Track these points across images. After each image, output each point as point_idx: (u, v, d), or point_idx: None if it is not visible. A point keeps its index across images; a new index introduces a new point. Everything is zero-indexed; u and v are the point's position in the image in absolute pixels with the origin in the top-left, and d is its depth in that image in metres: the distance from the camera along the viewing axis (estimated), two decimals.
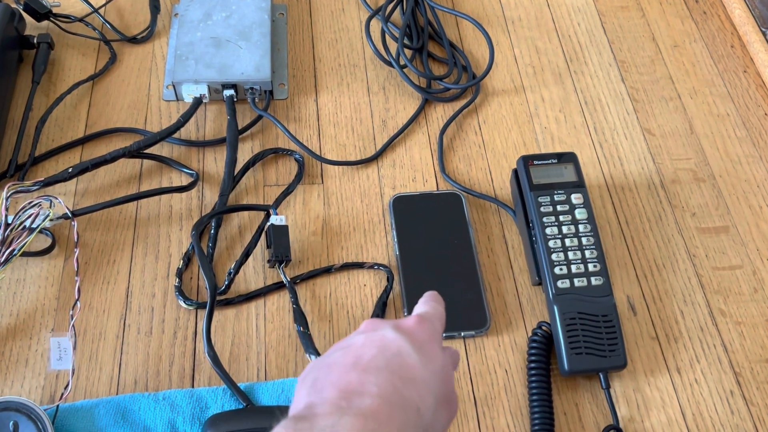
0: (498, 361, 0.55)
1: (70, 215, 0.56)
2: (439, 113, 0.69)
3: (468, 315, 0.56)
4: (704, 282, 0.60)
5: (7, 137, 0.64)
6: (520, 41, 0.75)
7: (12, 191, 0.56)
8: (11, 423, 0.47)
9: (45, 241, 0.58)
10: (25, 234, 0.55)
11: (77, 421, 0.48)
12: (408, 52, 0.72)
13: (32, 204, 0.55)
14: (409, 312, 0.56)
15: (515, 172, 0.61)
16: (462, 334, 0.56)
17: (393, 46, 0.71)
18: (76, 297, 0.52)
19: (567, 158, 0.60)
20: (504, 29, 0.76)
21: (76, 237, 0.55)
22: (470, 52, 0.74)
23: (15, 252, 0.54)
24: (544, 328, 0.55)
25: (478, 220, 0.62)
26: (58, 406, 0.48)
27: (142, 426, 0.48)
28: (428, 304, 0.44)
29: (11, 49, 0.66)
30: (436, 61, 0.73)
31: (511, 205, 0.62)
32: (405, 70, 0.70)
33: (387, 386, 0.35)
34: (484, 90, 0.71)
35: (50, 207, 0.56)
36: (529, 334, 0.56)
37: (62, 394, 0.49)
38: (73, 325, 0.50)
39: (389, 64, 0.70)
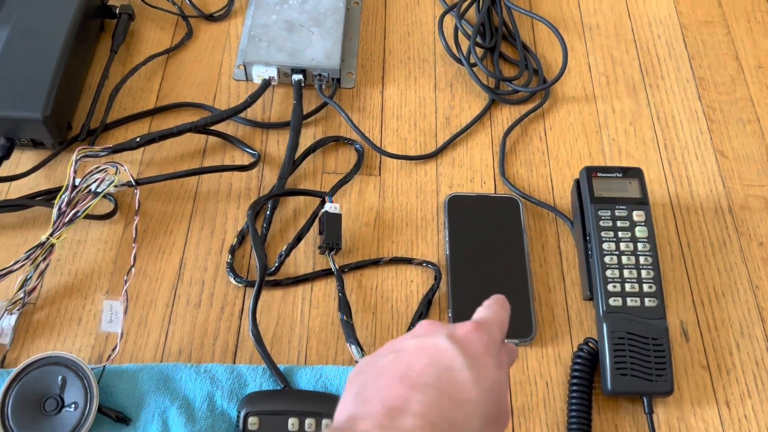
0: (539, 372, 0.54)
1: (133, 183, 0.58)
2: (505, 115, 0.68)
3: (514, 323, 0.55)
4: (765, 316, 0.57)
5: (83, 103, 0.66)
6: (596, 49, 0.73)
7: (81, 155, 0.58)
8: (60, 378, 0.48)
9: (107, 206, 0.59)
10: (90, 197, 0.57)
11: (121, 383, 0.50)
12: (479, 51, 0.71)
13: (99, 169, 0.57)
14: (454, 313, 0.55)
15: (577, 182, 0.59)
16: (505, 341, 0.55)
17: (465, 44, 0.70)
18: (132, 263, 0.53)
19: (633, 173, 0.58)
20: (580, 35, 0.74)
21: (137, 205, 0.57)
22: (543, 56, 0.73)
23: (79, 214, 0.56)
24: (590, 344, 0.54)
25: (534, 228, 0.61)
26: (104, 366, 0.50)
27: (182, 395, 0.50)
28: (490, 308, 0.42)
29: (94, 17, 0.68)
30: (507, 62, 0.72)
31: (569, 215, 0.61)
32: (474, 68, 0.69)
33: (432, 406, 0.34)
34: (554, 95, 0.70)
35: (116, 173, 0.58)
36: (575, 348, 0.55)
37: (110, 356, 0.51)
38: (126, 290, 0.52)
39: (459, 61, 0.70)
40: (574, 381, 0.52)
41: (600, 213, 0.56)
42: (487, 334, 0.39)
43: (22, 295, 0.53)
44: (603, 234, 0.55)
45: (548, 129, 0.67)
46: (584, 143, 0.66)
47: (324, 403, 0.49)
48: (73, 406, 0.48)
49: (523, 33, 0.74)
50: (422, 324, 0.40)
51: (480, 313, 0.42)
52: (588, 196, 0.57)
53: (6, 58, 0.61)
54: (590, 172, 0.58)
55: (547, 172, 0.65)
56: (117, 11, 0.70)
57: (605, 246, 0.55)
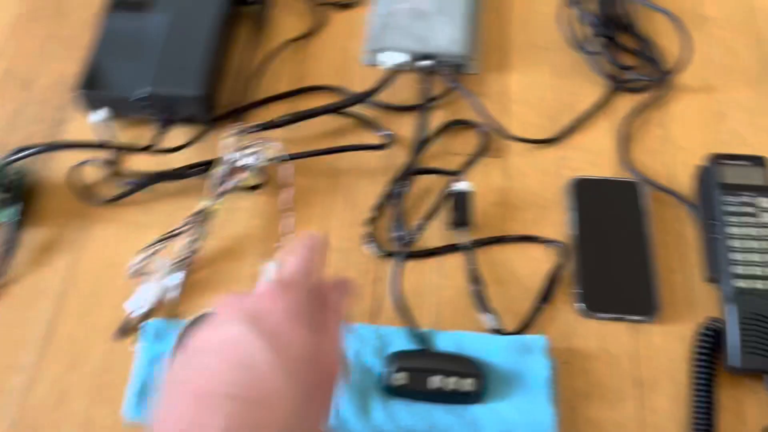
0: (663, 348, 0.57)
1: (287, 158, 0.63)
2: (624, 103, 0.70)
3: (637, 300, 0.58)
4: None
5: (228, 84, 0.71)
6: (717, 41, 0.74)
7: (235, 131, 0.63)
8: None
9: (256, 179, 0.65)
10: (243, 171, 0.62)
11: None
12: (599, 41, 0.73)
13: (252, 144, 0.63)
14: (582, 290, 0.58)
15: (702, 168, 0.61)
16: (631, 318, 0.58)
17: (583, 34, 0.73)
18: (292, 229, 0.59)
19: (758, 161, 0.60)
20: (699, 26, 0.75)
21: (289, 178, 0.62)
22: (662, 46, 0.74)
23: (234, 185, 0.61)
24: (714, 323, 0.56)
25: (655, 212, 0.63)
26: None
27: None
28: (295, 254, 0.39)
29: (236, 3, 0.74)
30: (626, 53, 0.74)
31: (690, 201, 0.63)
32: (595, 57, 0.72)
33: (232, 418, 0.33)
34: (673, 85, 0.71)
35: (266, 149, 0.63)
36: (697, 327, 0.57)
37: None
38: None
39: (580, 50, 0.72)
40: (699, 357, 0.55)
41: (725, 198, 0.58)
42: (288, 294, 0.38)
43: (186, 256, 0.59)
44: (729, 219, 0.57)
45: (667, 117, 0.69)
46: (703, 132, 0.68)
47: (465, 364, 0.53)
48: None
49: (642, 24, 0.75)
50: (220, 304, 0.38)
51: (284, 266, 0.40)
52: (714, 182, 0.59)
53: (166, 42, 0.67)
54: (716, 158, 0.60)
55: (666, 159, 0.67)
56: None
57: (731, 230, 0.57)
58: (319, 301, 0.39)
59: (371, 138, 0.69)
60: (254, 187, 0.64)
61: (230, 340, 0.36)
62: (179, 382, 0.35)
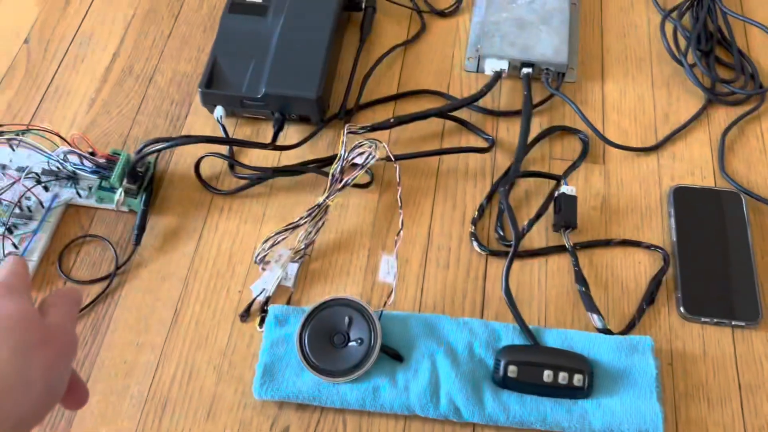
0: (765, 354, 0.58)
1: (392, 159, 0.66)
2: (721, 115, 0.72)
3: (740, 306, 0.60)
4: None
5: (337, 87, 0.75)
6: None
7: (348, 131, 0.66)
8: (347, 317, 0.57)
9: (365, 177, 0.68)
10: (356, 168, 0.65)
11: (395, 326, 0.58)
12: (696, 53, 0.75)
13: (362, 144, 0.66)
14: (683, 295, 0.60)
15: None
16: (732, 323, 0.59)
17: (681, 46, 0.75)
18: (400, 226, 0.62)
19: None
20: None
21: (398, 177, 0.65)
22: (757, 61, 0.76)
23: (349, 182, 0.64)
24: None
25: (755, 222, 0.65)
26: (382, 311, 0.58)
27: (446, 341, 0.57)
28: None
29: (345, 10, 0.77)
30: (722, 66, 0.76)
31: None
32: (693, 69, 0.73)
33: None
34: None
35: (375, 149, 0.66)
36: None
37: (385, 302, 0.59)
38: (397, 249, 0.60)
39: (678, 62, 0.74)
40: None
41: None
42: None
43: (303, 247, 0.62)
44: None
45: (765, 130, 0.71)
46: None
47: (575, 361, 0.55)
48: (358, 341, 0.56)
49: (737, 38, 0.77)
50: None
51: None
52: None
53: (281, 46, 0.70)
54: None
55: (765, 170, 0.68)
56: (363, 5, 0.78)
57: None
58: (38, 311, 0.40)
59: (473, 141, 0.71)
60: (365, 185, 0.68)
61: None
62: None
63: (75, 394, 0.41)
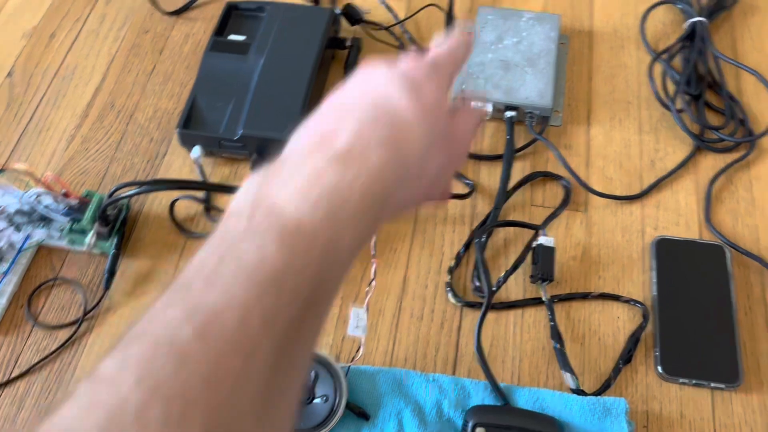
0: (744, 419, 0.57)
1: None
2: (709, 163, 0.70)
3: (720, 367, 0.58)
4: None
5: None
6: None
7: None
8: (313, 372, 0.56)
9: None
10: None
11: (362, 382, 0.56)
12: (684, 98, 0.74)
13: None
14: (661, 353, 0.59)
15: None
16: (711, 384, 0.57)
17: (670, 90, 0.73)
18: (372, 276, 0.60)
19: None
20: None
21: None
22: (748, 106, 0.74)
23: None
24: None
25: (739, 277, 0.63)
26: (349, 366, 0.57)
27: (413, 400, 0.56)
28: (445, 43, 0.41)
29: (329, 47, 0.76)
30: (711, 111, 0.74)
31: None
32: (681, 114, 0.72)
33: (366, 124, 0.34)
34: (760, 147, 0.71)
35: None
36: None
37: (353, 357, 0.58)
38: (368, 300, 0.59)
39: (666, 106, 0.72)
40: None
41: None
42: (430, 65, 0.39)
43: None
44: None
45: (754, 180, 0.69)
46: None
47: (545, 424, 0.53)
48: (323, 398, 0.55)
49: (728, 83, 0.75)
50: (361, 66, 0.39)
51: (432, 47, 0.41)
52: None
53: (261, 85, 0.70)
54: None
55: (752, 222, 0.66)
56: (347, 43, 0.78)
57: None
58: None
59: (454, 186, 0.70)
60: None
61: (370, 77, 0.37)
62: (319, 108, 0.37)
63: (445, 195, 0.44)
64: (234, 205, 0.32)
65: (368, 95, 0.36)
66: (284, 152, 0.35)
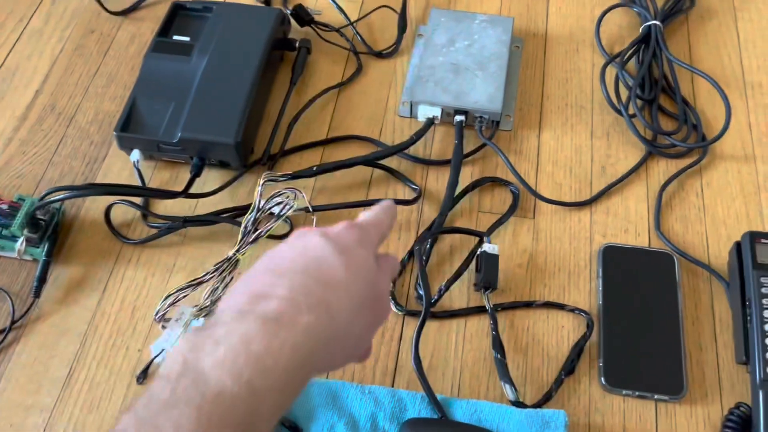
0: (688, 430, 0.55)
1: (310, 210, 0.63)
2: (661, 168, 0.69)
3: (664, 379, 0.56)
4: None
5: (263, 129, 0.72)
6: (758, 108, 0.73)
7: (266, 179, 0.64)
8: None
9: (284, 228, 0.65)
10: (272, 219, 0.62)
11: None
12: (638, 103, 0.72)
13: (280, 194, 0.63)
14: (605, 364, 0.57)
15: (738, 245, 0.60)
16: (655, 396, 0.56)
17: (623, 95, 0.72)
18: None
19: None
20: (741, 93, 0.74)
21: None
22: (702, 111, 0.73)
23: (263, 234, 0.61)
24: (742, 408, 0.54)
25: (688, 285, 0.62)
26: None
27: (348, 413, 0.54)
28: (372, 211, 0.44)
29: (277, 49, 0.75)
30: (665, 116, 0.73)
31: (725, 276, 0.61)
32: (633, 119, 0.70)
33: (298, 288, 0.36)
34: (712, 153, 0.70)
35: (294, 199, 0.63)
36: (725, 411, 0.55)
37: None
38: None
39: (618, 111, 0.71)
40: None
41: (762, 280, 0.56)
42: (360, 231, 0.41)
43: (209, 304, 0.59)
44: (765, 301, 0.56)
45: (705, 186, 0.68)
46: (742, 204, 0.66)
47: None
48: None
49: (683, 87, 0.74)
50: (295, 231, 0.41)
51: (360, 216, 0.44)
52: (750, 261, 0.57)
53: (202, 87, 0.68)
54: (753, 237, 0.59)
55: (702, 229, 0.65)
56: (297, 45, 0.76)
57: (766, 314, 0.55)
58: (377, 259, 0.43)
59: (401, 190, 0.68)
60: (283, 236, 0.65)
61: (304, 242, 0.39)
62: (254, 268, 0.39)
63: (366, 354, 0.45)
64: (163, 368, 0.34)
65: (302, 258, 0.38)
66: (217, 310, 0.36)
